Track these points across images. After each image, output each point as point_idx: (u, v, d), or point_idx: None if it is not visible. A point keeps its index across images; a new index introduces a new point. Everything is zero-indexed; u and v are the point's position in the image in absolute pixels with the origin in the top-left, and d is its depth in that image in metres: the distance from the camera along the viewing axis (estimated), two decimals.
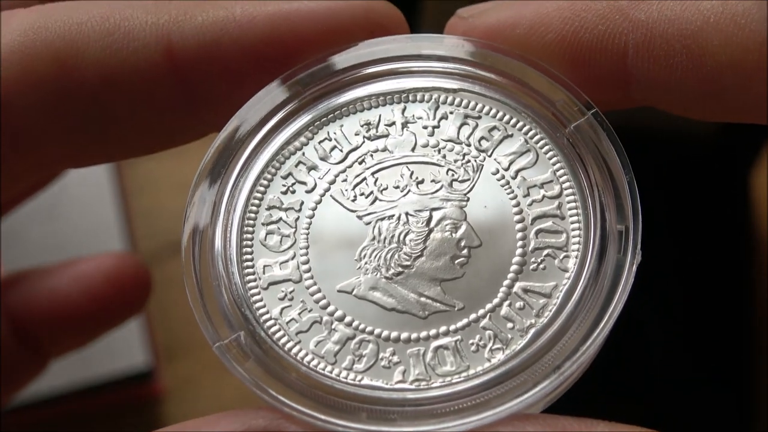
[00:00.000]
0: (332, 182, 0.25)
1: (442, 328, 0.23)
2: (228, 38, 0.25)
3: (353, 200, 0.25)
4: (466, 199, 0.24)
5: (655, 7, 0.24)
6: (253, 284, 0.24)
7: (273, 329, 0.23)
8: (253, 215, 0.25)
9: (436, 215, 0.24)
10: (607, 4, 0.25)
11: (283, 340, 0.23)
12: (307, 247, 0.24)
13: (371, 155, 0.25)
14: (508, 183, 0.25)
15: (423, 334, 0.23)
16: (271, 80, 0.25)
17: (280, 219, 0.25)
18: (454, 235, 0.24)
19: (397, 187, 0.25)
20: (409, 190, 0.25)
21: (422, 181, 0.25)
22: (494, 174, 0.25)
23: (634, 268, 0.23)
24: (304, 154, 0.25)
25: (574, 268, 0.23)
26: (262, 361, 0.23)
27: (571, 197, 0.24)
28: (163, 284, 0.48)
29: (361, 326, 0.23)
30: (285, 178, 0.25)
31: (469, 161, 0.25)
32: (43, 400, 0.47)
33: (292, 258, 0.24)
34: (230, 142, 0.25)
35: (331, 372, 0.23)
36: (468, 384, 0.22)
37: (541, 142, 0.25)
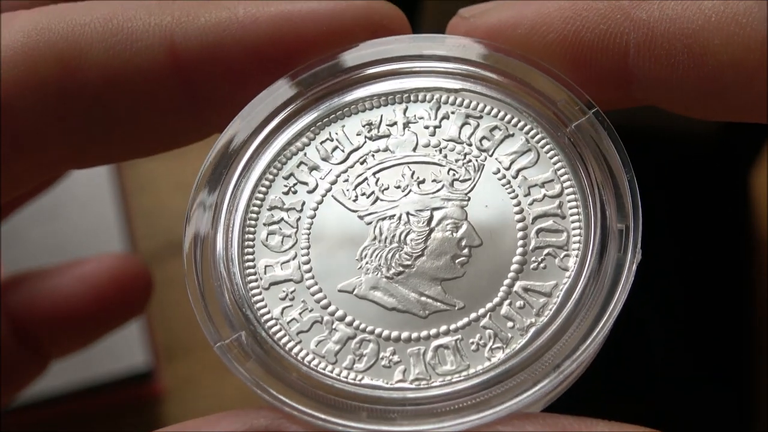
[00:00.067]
0: (334, 182, 0.25)
1: (443, 328, 0.23)
2: (231, 39, 0.25)
3: (354, 200, 0.25)
4: (467, 198, 0.24)
5: (656, 7, 0.24)
6: (254, 284, 0.24)
7: (274, 329, 0.23)
8: (254, 215, 0.25)
9: (437, 215, 0.24)
10: (609, 4, 0.25)
11: (284, 340, 0.23)
12: (308, 247, 0.24)
13: (373, 155, 0.25)
14: (509, 182, 0.25)
15: (423, 333, 0.23)
16: (273, 81, 0.25)
17: (282, 219, 0.25)
18: (454, 234, 0.24)
19: (399, 187, 0.25)
20: (410, 190, 0.25)
21: (423, 181, 0.25)
22: (495, 173, 0.25)
23: (635, 266, 0.23)
24: (305, 154, 0.25)
25: (575, 267, 0.23)
26: (263, 361, 0.23)
27: (572, 196, 0.24)
28: (163, 284, 0.48)
29: (362, 326, 0.23)
30: (287, 178, 0.25)
31: (470, 161, 0.25)
32: (43, 400, 0.47)
33: (294, 258, 0.24)
34: (232, 143, 0.25)
35: (331, 371, 0.23)
36: (468, 383, 0.22)
37: (542, 142, 0.25)
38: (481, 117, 0.25)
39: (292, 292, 0.24)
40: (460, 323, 0.23)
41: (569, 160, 0.25)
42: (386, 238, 0.24)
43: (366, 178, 0.25)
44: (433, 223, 0.24)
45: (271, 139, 0.25)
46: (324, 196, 0.25)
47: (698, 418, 0.49)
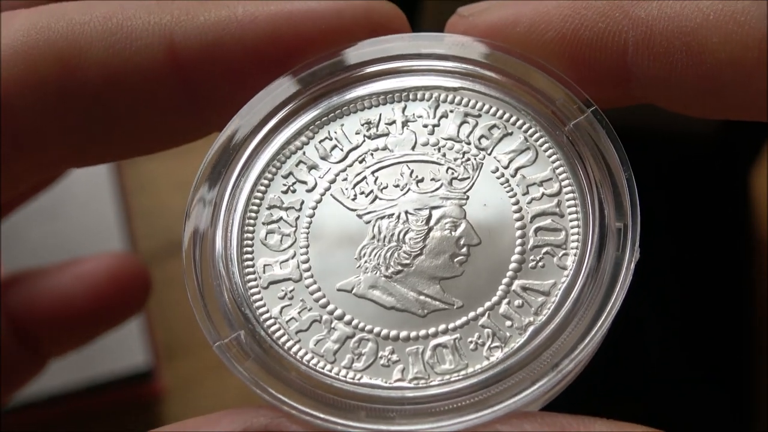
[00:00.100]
0: (332, 181, 0.25)
1: (441, 327, 0.23)
2: (230, 38, 0.25)
3: (353, 199, 0.25)
4: (465, 197, 0.25)
5: (654, 5, 0.24)
6: (253, 283, 0.24)
7: (273, 328, 0.23)
8: (253, 214, 0.25)
9: (436, 214, 0.24)
10: (607, 2, 0.25)
11: (282, 339, 0.23)
12: (307, 246, 0.24)
13: (371, 154, 0.25)
14: (507, 181, 0.25)
15: (422, 332, 0.23)
16: (272, 79, 0.25)
17: (281, 218, 0.25)
18: (453, 233, 0.24)
19: (397, 186, 0.25)
20: (409, 189, 0.25)
21: (422, 180, 0.25)
22: (494, 172, 0.25)
23: (633, 265, 0.23)
24: (304, 153, 0.25)
25: (573, 266, 0.23)
26: (261, 360, 0.23)
27: (570, 195, 0.24)
28: (163, 284, 0.48)
29: (361, 325, 0.23)
30: (286, 177, 0.25)
31: (468, 159, 0.25)
32: (43, 400, 0.47)
33: (293, 257, 0.24)
34: (231, 142, 0.25)
35: (330, 371, 0.23)
36: (466, 382, 0.22)
37: (541, 140, 0.25)
38: (479, 116, 0.25)
39: (291, 291, 0.24)
40: (458, 322, 0.23)
41: (568, 158, 0.25)
42: (385, 237, 0.24)
43: (365, 177, 0.25)
44: (432, 222, 0.24)
45: (270, 138, 0.25)
46: (323, 195, 0.25)
47: (695, 418, 0.49)
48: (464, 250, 0.24)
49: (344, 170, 0.25)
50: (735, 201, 0.53)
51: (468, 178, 0.25)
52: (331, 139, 0.25)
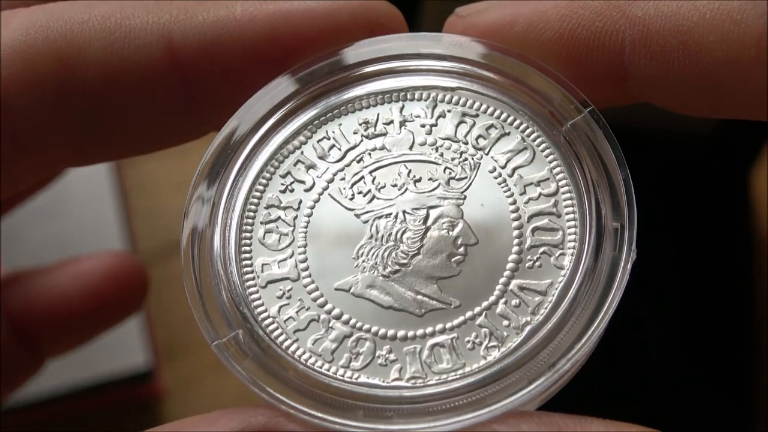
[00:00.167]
0: (330, 181, 0.25)
1: (439, 326, 0.23)
2: (228, 37, 0.25)
3: (351, 199, 0.25)
4: (463, 197, 0.25)
5: (651, 4, 0.24)
6: (251, 283, 0.24)
7: (271, 327, 0.23)
8: (251, 214, 0.25)
9: (434, 213, 0.24)
10: (604, 2, 0.25)
11: (281, 339, 0.23)
12: (305, 246, 0.24)
13: (369, 154, 0.25)
14: (504, 181, 0.25)
15: (419, 331, 0.23)
16: (271, 79, 0.25)
17: (279, 218, 0.25)
18: (450, 233, 0.24)
19: (395, 186, 0.25)
20: (406, 189, 0.25)
21: (420, 180, 0.25)
22: (491, 172, 0.25)
23: (630, 265, 0.23)
24: (302, 152, 0.25)
25: (570, 266, 0.23)
26: (260, 360, 0.23)
27: (567, 195, 0.24)
28: (163, 283, 0.48)
29: (358, 324, 0.23)
30: (284, 176, 0.25)
31: (466, 159, 0.25)
32: (43, 400, 0.47)
33: (291, 256, 0.24)
34: (229, 141, 0.25)
35: (328, 370, 0.23)
36: (464, 382, 0.22)
37: (538, 140, 0.25)
38: (477, 115, 0.25)
39: (289, 291, 0.24)
40: (455, 322, 0.23)
41: (565, 158, 0.25)
42: (383, 236, 0.24)
43: (363, 177, 0.25)
44: (430, 222, 0.24)
45: (268, 137, 0.25)
46: (321, 194, 0.25)
47: (694, 418, 0.49)
48: (461, 249, 0.24)
49: (342, 170, 0.25)
50: (735, 201, 0.53)
51: (465, 177, 0.25)
52: (329, 139, 0.26)
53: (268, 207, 0.25)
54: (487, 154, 0.25)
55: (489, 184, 0.25)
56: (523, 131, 0.25)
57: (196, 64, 0.25)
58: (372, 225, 0.24)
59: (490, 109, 0.25)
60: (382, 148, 0.25)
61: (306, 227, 0.25)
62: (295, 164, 0.25)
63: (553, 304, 0.23)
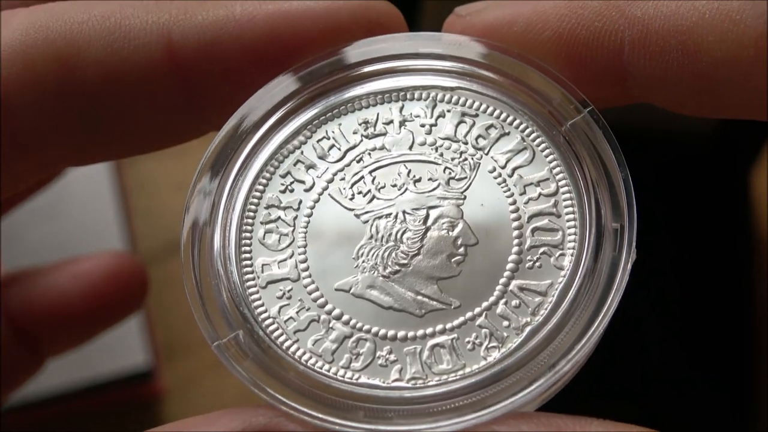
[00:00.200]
0: (330, 181, 0.25)
1: (439, 327, 0.23)
2: (228, 37, 0.25)
3: (351, 199, 0.25)
4: (462, 197, 0.25)
5: (650, 4, 0.24)
6: (251, 283, 0.24)
7: (271, 328, 0.23)
8: (251, 214, 0.25)
9: (433, 213, 0.24)
10: (603, 2, 0.25)
11: (281, 339, 0.23)
12: (305, 246, 0.24)
13: (369, 154, 0.25)
14: (504, 181, 0.25)
15: (420, 332, 0.23)
16: (270, 79, 0.25)
17: (279, 218, 0.25)
18: (450, 233, 0.24)
19: (395, 186, 0.25)
20: (406, 189, 0.25)
21: (419, 180, 0.25)
22: (491, 172, 0.25)
23: (629, 266, 0.23)
24: (302, 152, 0.25)
25: (570, 266, 0.23)
26: (260, 360, 0.23)
27: (567, 195, 0.24)
28: (163, 283, 0.48)
29: (359, 325, 0.23)
30: (284, 176, 0.25)
31: (466, 159, 0.25)
32: (43, 400, 0.47)
33: (291, 257, 0.24)
34: (229, 141, 0.25)
35: (328, 370, 0.23)
36: (464, 382, 0.22)
37: (538, 140, 0.25)
38: (476, 115, 0.25)
39: (289, 291, 0.24)
40: (456, 322, 0.23)
41: (564, 158, 0.25)
42: (383, 236, 0.24)
43: (362, 177, 0.25)
44: (429, 222, 0.24)
45: (268, 137, 0.25)
46: (321, 194, 0.25)
47: (694, 419, 0.49)
48: (461, 250, 0.24)
49: (342, 170, 0.25)
50: (735, 201, 0.53)
51: (465, 177, 0.25)
52: (328, 139, 0.26)
53: (268, 207, 0.25)
54: (486, 154, 0.25)
55: (489, 185, 0.25)
56: (522, 131, 0.25)
57: (196, 64, 0.25)
58: (372, 225, 0.24)
59: (490, 109, 0.25)
60: (382, 147, 0.25)
61: (306, 227, 0.25)
62: (295, 164, 0.25)
63: (553, 304, 0.23)
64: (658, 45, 0.24)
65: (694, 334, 0.51)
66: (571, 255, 0.24)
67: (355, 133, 0.26)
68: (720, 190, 0.54)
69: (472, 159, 0.25)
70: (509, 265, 0.24)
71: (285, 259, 0.24)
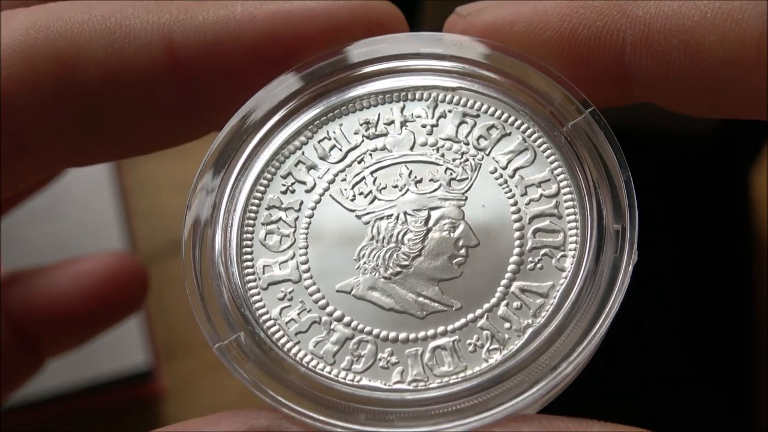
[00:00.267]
0: (331, 182, 0.25)
1: (440, 329, 0.23)
2: (228, 37, 0.25)
3: (352, 200, 0.25)
4: (464, 198, 0.24)
5: (652, 4, 0.24)
6: (252, 284, 0.24)
7: (272, 330, 0.23)
8: (253, 215, 0.25)
9: (435, 215, 0.24)
10: (605, 1, 0.25)
11: (282, 341, 0.23)
12: (306, 247, 0.24)
13: (370, 154, 0.25)
14: (506, 182, 0.25)
15: (421, 334, 0.23)
16: (271, 79, 0.25)
17: (280, 219, 0.25)
18: (452, 234, 0.24)
19: (396, 187, 0.25)
20: (407, 190, 0.25)
21: (421, 181, 0.25)
22: (492, 173, 0.25)
23: (631, 267, 0.23)
24: (303, 153, 0.25)
25: (571, 268, 0.23)
26: (261, 362, 0.23)
27: (569, 196, 0.24)
28: (163, 284, 0.48)
29: (360, 326, 0.23)
30: (285, 177, 0.25)
31: (467, 160, 0.25)
32: (43, 400, 0.47)
33: (292, 258, 0.24)
34: (231, 140, 0.25)
35: (329, 372, 0.23)
36: (465, 385, 0.22)
37: (539, 141, 0.25)
38: (478, 116, 0.25)
39: (290, 293, 0.24)
40: (457, 324, 0.23)
41: (566, 159, 0.25)
42: (384, 238, 0.24)
43: (363, 178, 0.25)
44: (431, 223, 0.24)
45: (269, 138, 0.25)
46: (322, 195, 0.25)
47: (695, 420, 0.49)
48: (463, 251, 0.24)
49: (343, 170, 0.25)
50: (735, 201, 0.53)
51: (466, 178, 0.25)
52: (330, 139, 0.25)
53: (269, 208, 0.25)
54: (488, 154, 0.25)
55: (490, 185, 0.25)
56: (524, 132, 0.25)
57: (196, 64, 0.25)
58: (373, 226, 0.24)
59: (491, 110, 0.25)
60: (383, 148, 0.25)
61: (307, 228, 0.24)
62: (296, 165, 0.25)
63: (554, 306, 0.23)
64: (659, 44, 0.24)
65: (694, 334, 0.51)
66: (573, 256, 0.23)
67: (356, 133, 0.25)
68: (720, 190, 0.54)
69: (474, 160, 0.25)
70: (510, 267, 0.24)
71: (286, 261, 0.24)
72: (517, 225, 0.24)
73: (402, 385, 0.23)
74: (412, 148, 0.25)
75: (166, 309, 0.51)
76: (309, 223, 0.25)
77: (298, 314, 0.24)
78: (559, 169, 0.24)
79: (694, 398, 0.50)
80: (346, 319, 0.23)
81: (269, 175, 0.25)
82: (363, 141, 0.25)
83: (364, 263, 0.24)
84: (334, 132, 0.26)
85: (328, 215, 0.25)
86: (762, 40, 0.23)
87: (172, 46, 0.25)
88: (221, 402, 0.50)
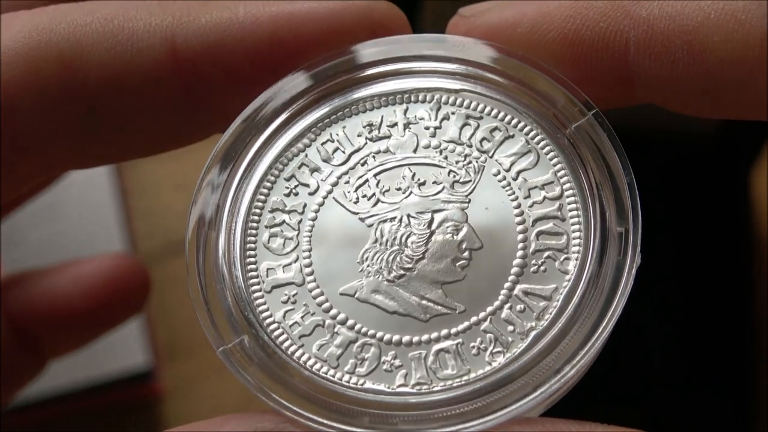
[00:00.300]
0: (335, 184, 0.25)
1: (444, 332, 0.23)
2: (231, 39, 0.25)
3: (355, 202, 0.25)
4: (467, 200, 0.24)
5: (655, 5, 0.24)
6: (256, 287, 0.24)
7: (276, 333, 0.23)
8: (256, 218, 0.25)
9: (438, 217, 0.24)
10: (609, 2, 0.25)
11: (286, 344, 0.23)
12: (309, 250, 0.24)
13: (373, 157, 0.25)
14: (509, 184, 0.25)
15: (424, 337, 0.23)
16: (274, 81, 0.25)
17: (283, 221, 0.25)
18: (455, 237, 0.24)
19: (399, 189, 0.25)
20: (410, 192, 0.25)
21: (424, 183, 0.25)
22: (495, 175, 0.25)
23: (634, 270, 0.23)
24: (306, 155, 0.25)
25: (575, 271, 0.23)
26: (265, 366, 0.23)
27: (572, 198, 0.24)
28: (163, 284, 0.48)
29: (363, 329, 0.23)
30: (288, 180, 0.25)
31: (470, 162, 0.25)
32: (43, 400, 0.47)
33: (295, 261, 0.24)
34: (233, 144, 0.25)
35: (333, 376, 0.23)
36: (469, 388, 0.22)
37: (542, 143, 0.25)
38: (481, 118, 0.25)
39: (294, 296, 0.24)
40: (460, 327, 0.23)
41: (569, 161, 0.24)
42: (387, 240, 0.24)
43: (367, 180, 0.25)
44: (434, 226, 0.24)
45: (272, 141, 0.25)
46: (325, 198, 0.25)
47: (696, 423, 0.49)
48: (466, 254, 0.24)
49: (346, 173, 0.25)
50: (735, 201, 0.53)
51: (470, 181, 0.25)
52: (333, 142, 0.25)
53: (272, 210, 0.25)
54: (491, 157, 0.25)
55: (493, 188, 0.24)
56: (527, 134, 0.25)
57: (199, 67, 0.25)
58: (377, 229, 0.24)
59: (494, 112, 0.25)
60: (387, 150, 0.25)
61: (310, 231, 0.24)
62: (299, 167, 0.25)
63: (557, 309, 0.23)
64: (663, 45, 0.24)
65: (695, 336, 0.51)
66: (576, 259, 0.23)
67: (359, 135, 0.25)
68: (720, 190, 0.54)
69: (477, 162, 0.25)
70: (514, 270, 0.24)
71: (290, 264, 0.24)
72: (520, 228, 0.24)
73: (405, 389, 0.23)
74: (415, 151, 0.25)
75: (166, 309, 0.51)
76: (312, 226, 0.24)
77: (302, 317, 0.24)
78: (563, 172, 0.24)
79: (695, 402, 0.50)
80: (350, 322, 0.23)
81: (273, 178, 0.25)
82: (366, 143, 0.25)
83: (368, 266, 0.24)
84: (337, 134, 0.25)
85: (332, 218, 0.24)
86: (765, 40, 0.23)
87: (175, 49, 0.25)
88: (222, 403, 0.50)
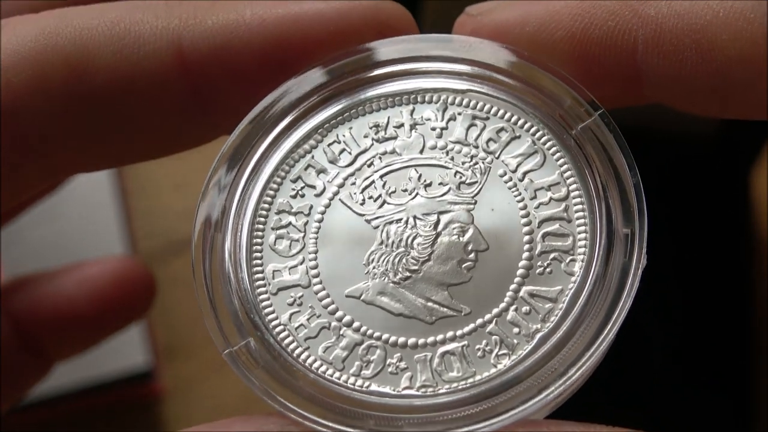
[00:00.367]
0: (341, 186, 0.25)
1: (449, 334, 0.23)
2: (238, 41, 0.25)
3: (362, 204, 0.25)
4: (473, 202, 0.24)
5: (664, 3, 0.24)
6: (262, 289, 0.24)
7: (282, 335, 0.23)
8: (262, 219, 0.25)
9: (444, 219, 0.24)
10: (617, 1, 0.25)
11: (292, 347, 0.23)
12: (316, 252, 0.24)
13: (380, 158, 0.25)
14: (515, 185, 0.24)
15: (430, 339, 0.23)
16: (280, 82, 0.25)
17: (290, 223, 0.25)
18: (461, 238, 0.24)
19: (406, 190, 0.25)
20: (417, 193, 0.25)
21: (430, 184, 0.25)
22: (502, 176, 0.25)
23: (640, 271, 0.23)
24: (313, 157, 0.25)
25: (580, 272, 0.23)
26: (271, 368, 0.23)
27: (578, 200, 0.24)
28: (164, 284, 0.47)
29: (369, 332, 0.23)
30: (294, 181, 0.25)
31: (476, 163, 0.25)
32: (43, 400, 0.47)
33: (301, 263, 0.24)
34: (240, 146, 0.25)
35: (339, 378, 0.23)
36: (474, 390, 0.22)
37: (549, 144, 0.25)
38: (487, 118, 0.25)
39: (300, 298, 0.24)
40: (466, 329, 0.23)
41: (575, 162, 0.24)
42: (393, 242, 0.24)
43: (373, 181, 0.25)
44: (440, 227, 0.24)
45: (278, 142, 0.25)
46: (331, 199, 0.25)
47: (698, 424, 0.49)
48: (472, 255, 0.24)
49: (353, 174, 0.25)
50: (735, 201, 0.53)
51: (476, 182, 0.25)
52: (339, 143, 0.25)
53: (278, 212, 0.25)
54: (497, 157, 0.25)
55: (499, 189, 0.24)
56: (533, 134, 0.25)
57: (206, 69, 0.25)
58: (382, 230, 0.24)
59: (501, 112, 0.25)
60: (393, 151, 0.25)
61: (317, 233, 0.24)
62: (305, 168, 0.25)
63: (563, 311, 0.23)
64: (671, 44, 0.24)
65: (696, 336, 0.51)
66: (582, 261, 0.23)
67: (365, 136, 0.25)
68: (720, 190, 0.54)
69: (483, 163, 0.25)
70: (520, 271, 0.23)
71: (296, 266, 0.24)
72: (526, 229, 0.24)
73: (411, 391, 0.23)
74: (421, 152, 0.25)
75: (167, 309, 0.51)
76: (318, 228, 0.24)
77: (308, 320, 0.23)
78: (569, 173, 0.24)
79: (697, 403, 0.50)
80: (356, 324, 0.23)
81: (279, 179, 0.25)
82: (372, 144, 0.25)
83: (374, 268, 0.24)
84: (343, 135, 0.25)
85: (338, 219, 0.24)
86: (765, 41, 0.23)
87: (182, 51, 0.25)
88: (222, 403, 0.50)
